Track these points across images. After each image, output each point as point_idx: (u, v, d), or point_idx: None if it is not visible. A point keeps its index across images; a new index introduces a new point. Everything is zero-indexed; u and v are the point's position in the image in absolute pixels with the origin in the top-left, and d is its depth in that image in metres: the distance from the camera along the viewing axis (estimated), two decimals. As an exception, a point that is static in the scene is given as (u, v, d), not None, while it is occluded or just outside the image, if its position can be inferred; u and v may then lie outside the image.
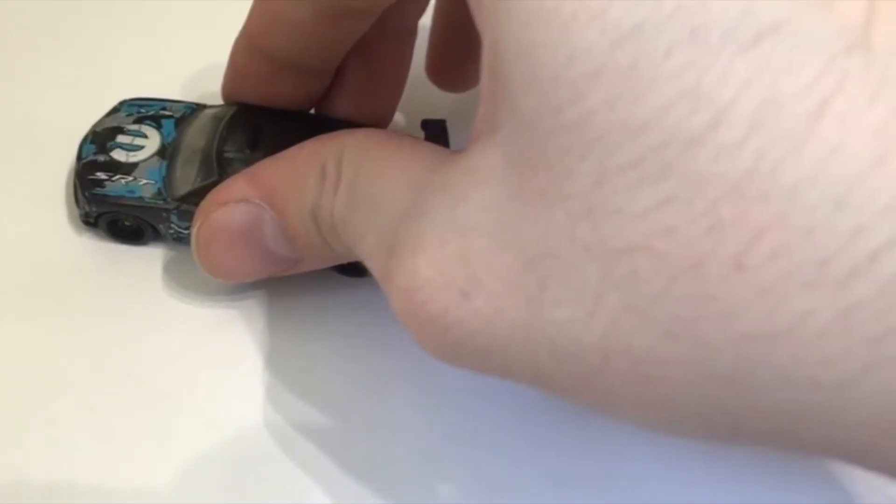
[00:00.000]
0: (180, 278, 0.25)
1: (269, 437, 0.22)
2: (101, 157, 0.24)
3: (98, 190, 0.24)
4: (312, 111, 0.26)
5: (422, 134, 0.25)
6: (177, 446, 0.22)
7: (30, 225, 0.26)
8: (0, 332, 0.24)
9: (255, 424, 0.23)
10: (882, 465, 0.14)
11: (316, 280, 0.24)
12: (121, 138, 0.25)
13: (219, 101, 0.25)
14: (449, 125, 0.25)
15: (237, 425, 0.23)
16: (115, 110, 0.26)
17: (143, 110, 0.26)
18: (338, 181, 0.19)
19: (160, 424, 0.22)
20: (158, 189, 0.24)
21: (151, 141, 0.25)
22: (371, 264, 0.19)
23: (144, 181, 0.24)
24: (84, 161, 0.25)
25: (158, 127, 0.25)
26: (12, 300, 0.24)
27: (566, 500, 0.22)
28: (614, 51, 0.13)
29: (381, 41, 0.25)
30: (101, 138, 0.25)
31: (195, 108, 0.26)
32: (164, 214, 0.24)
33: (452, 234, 0.16)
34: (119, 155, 0.25)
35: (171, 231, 0.24)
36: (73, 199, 0.25)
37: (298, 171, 0.20)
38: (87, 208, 0.24)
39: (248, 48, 0.24)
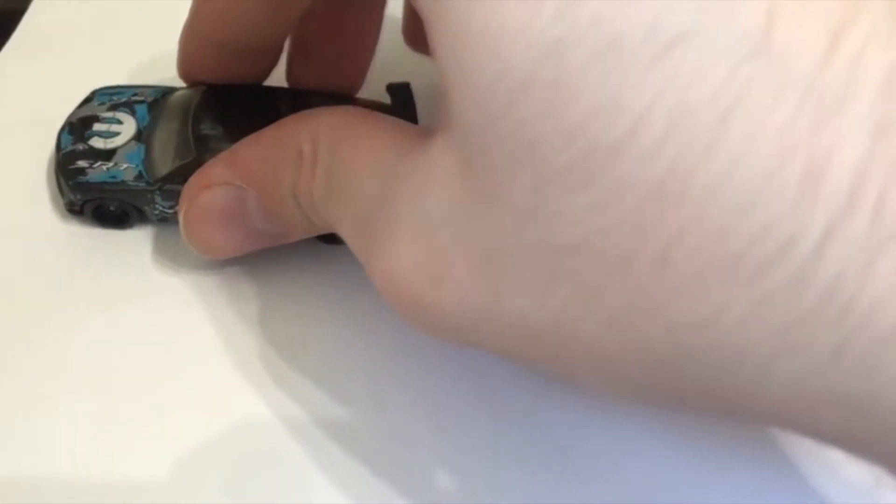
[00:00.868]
0: (169, 257, 0.25)
1: (266, 417, 0.23)
2: (80, 146, 0.25)
3: (81, 178, 0.25)
4: (285, 84, 0.26)
5: (387, 98, 0.26)
6: (172, 428, 0.22)
7: (13, 217, 0.26)
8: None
9: (251, 401, 0.23)
10: (811, 434, 0.15)
11: (301, 251, 0.25)
12: (97, 126, 0.26)
13: (186, 82, 0.26)
14: (413, 87, 0.26)
15: (234, 404, 0.23)
16: (87, 100, 0.26)
17: (115, 98, 0.26)
18: (314, 164, 0.20)
19: (157, 406, 0.23)
20: (139, 172, 0.25)
21: (127, 126, 0.25)
22: (351, 244, 0.20)
23: (125, 165, 0.25)
24: (64, 151, 0.25)
25: (132, 112, 0.26)
26: (4, 293, 0.25)
27: (564, 493, 0.22)
28: (539, 64, 0.14)
29: (349, 11, 0.25)
30: (77, 128, 0.25)
31: (166, 92, 0.26)
32: (149, 196, 0.25)
33: (421, 226, 0.17)
34: (97, 143, 0.25)
35: (157, 212, 0.25)
36: (55, 189, 0.26)
37: (276, 153, 0.21)
38: (71, 197, 0.25)
39: (194, 38, 0.24)
